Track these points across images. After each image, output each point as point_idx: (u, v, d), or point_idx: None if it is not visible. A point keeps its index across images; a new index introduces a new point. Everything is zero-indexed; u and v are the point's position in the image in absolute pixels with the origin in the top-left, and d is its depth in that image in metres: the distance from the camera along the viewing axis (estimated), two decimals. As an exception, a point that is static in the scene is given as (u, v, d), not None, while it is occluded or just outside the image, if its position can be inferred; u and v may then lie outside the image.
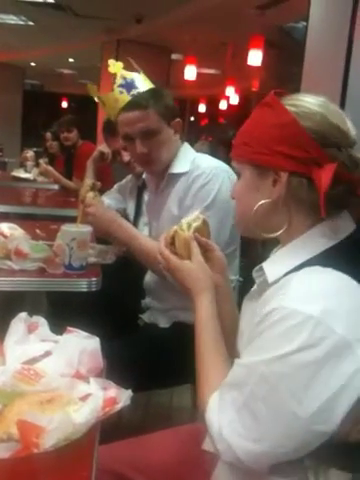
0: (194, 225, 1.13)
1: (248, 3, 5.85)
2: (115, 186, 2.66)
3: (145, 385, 1.59)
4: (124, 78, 1.70)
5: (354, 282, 0.83)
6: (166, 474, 1.13)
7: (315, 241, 0.91)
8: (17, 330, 1.11)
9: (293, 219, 0.94)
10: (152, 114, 1.68)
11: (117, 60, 1.74)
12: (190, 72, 8.42)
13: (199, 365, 1.00)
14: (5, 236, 1.77)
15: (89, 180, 1.84)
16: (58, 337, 1.12)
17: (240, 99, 11.73)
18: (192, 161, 1.72)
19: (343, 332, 0.78)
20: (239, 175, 1.00)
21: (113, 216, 1.75)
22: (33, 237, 1.89)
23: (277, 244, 1.07)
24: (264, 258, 1.12)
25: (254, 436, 0.82)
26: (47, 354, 1.04)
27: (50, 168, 4.70)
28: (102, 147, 2.70)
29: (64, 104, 16.47)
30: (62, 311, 1.74)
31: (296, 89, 1.07)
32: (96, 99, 1.81)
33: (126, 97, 1.68)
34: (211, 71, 10.66)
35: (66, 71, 13.31)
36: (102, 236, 1.88)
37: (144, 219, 2.47)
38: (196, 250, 1.10)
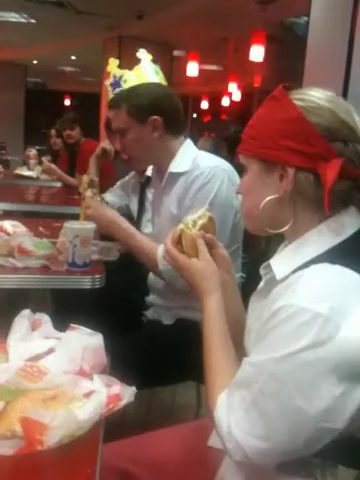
0: (200, 222, 1.13)
1: (249, -2, 5.85)
2: (118, 183, 2.66)
3: (148, 382, 1.59)
4: (114, 76, 1.77)
5: None
6: (171, 471, 1.13)
7: (322, 238, 0.90)
8: (21, 327, 1.11)
9: (299, 215, 0.93)
10: (122, 113, 1.72)
11: (119, 57, 1.76)
12: (192, 68, 8.40)
13: (207, 364, 0.99)
14: (8, 234, 1.77)
15: (87, 177, 1.83)
16: (61, 334, 1.12)
17: (242, 95, 11.70)
18: (193, 160, 1.71)
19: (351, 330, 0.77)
20: (246, 170, 1.00)
21: (112, 216, 1.75)
22: (36, 234, 1.90)
23: (281, 241, 1.07)
24: (268, 255, 1.12)
25: (263, 434, 0.82)
26: (50, 351, 1.04)
27: (53, 166, 4.71)
28: (104, 144, 2.70)
29: (67, 102, 16.44)
30: (66, 308, 1.74)
31: (298, 84, 1.06)
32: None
33: (111, 95, 1.76)
34: (213, 67, 10.64)
35: (68, 69, 13.30)
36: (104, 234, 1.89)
37: (147, 216, 2.47)
38: (203, 248, 1.09)
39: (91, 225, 1.71)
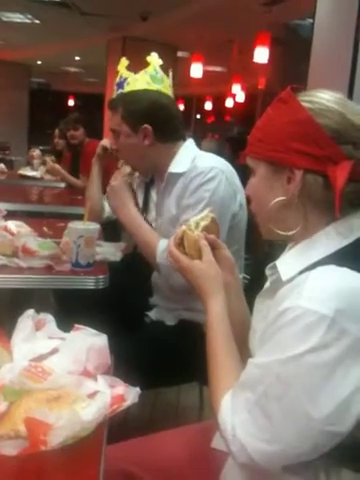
0: (202, 224, 1.12)
1: (254, 0, 5.83)
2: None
3: (151, 383, 1.59)
4: (120, 77, 1.78)
5: None
6: (174, 473, 1.13)
7: (330, 239, 0.90)
8: (25, 327, 1.11)
9: (308, 217, 0.93)
10: (116, 116, 1.76)
11: (124, 57, 1.77)
12: (196, 70, 8.40)
13: (212, 365, 0.99)
14: (12, 234, 1.77)
15: (129, 169, 1.85)
16: (65, 334, 1.12)
17: (246, 97, 11.71)
18: (192, 161, 1.71)
19: (358, 332, 0.77)
20: (254, 172, 0.99)
21: (126, 200, 1.78)
22: (40, 235, 1.90)
23: (284, 243, 1.07)
24: (271, 257, 1.11)
25: (267, 437, 0.81)
26: (54, 351, 1.04)
27: (57, 166, 4.71)
28: (104, 142, 2.69)
29: (70, 102, 16.48)
30: (69, 308, 1.74)
31: (302, 87, 1.06)
32: None
33: (114, 95, 1.79)
34: (217, 69, 10.64)
35: (72, 69, 13.33)
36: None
37: (151, 215, 2.47)
38: (207, 249, 1.09)
39: (95, 226, 1.71)
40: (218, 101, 13.69)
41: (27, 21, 8.42)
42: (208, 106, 14.52)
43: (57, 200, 4.32)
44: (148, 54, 1.83)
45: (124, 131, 1.75)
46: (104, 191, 2.34)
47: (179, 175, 1.72)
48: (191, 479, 1.12)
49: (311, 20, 3.91)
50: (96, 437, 0.83)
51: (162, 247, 1.67)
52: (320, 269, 0.85)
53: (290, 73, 6.53)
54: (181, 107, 14.81)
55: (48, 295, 2.02)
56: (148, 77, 1.76)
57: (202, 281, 1.07)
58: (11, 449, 0.79)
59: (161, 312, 1.84)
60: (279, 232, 0.96)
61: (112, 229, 2.38)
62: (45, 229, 2.12)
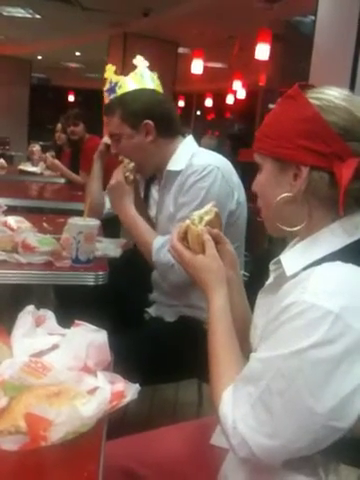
0: (206, 218, 1.12)
1: (256, -3, 5.83)
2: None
3: (151, 379, 1.59)
4: (110, 82, 1.79)
5: None
6: (173, 469, 1.13)
7: (335, 236, 0.90)
8: (24, 323, 1.11)
9: (313, 214, 0.93)
10: (115, 120, 1.75)
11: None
12: (197, 66, 8.39)
13: (213, 359, 0.99)
14: (12, 229, 1.78)
15: (132, 163, 1.84)
16: (65, 330, 1.12)
17: (247, 93, 11.69)
18: (189, 158, 1.72)
19: None
20: (260, 169, 0.99)
21: (125, 199, 1.77)
22: (40, 230, 1.90)
23: (284, 240, 1.07)
24: (271, 254, 1.11)
25: (269, 431, 0.82)
26: (54, 347, 1.04)
27: (57, 162, 4.70)
28: (106, 139, 2.69)
29: (71, 98, 16.45)
30: (69, 304, 1.74)
31: (311, 84, 1.06)
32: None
33: (106, 101, 1.79)
34: (218, 65, 10.63)
35: (73, 65, 13.31)
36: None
37: (152, 212, 2.47)
38: (210, 243, 1.08)
39: (95, 222, 1.71)
40: (218, 98, 13.66)
41: (28, 16, 8.41)
42: (208, 103, 14.49)
43: (57, 196, 4.31)
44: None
45: (125, 132, 1.75)
46: (105, 188, 2.35)
47: (177, 173, 1.72)
48: (190, 475, 1.12)
49: (312, 17, 3.91)
50: (96, 433, 0.84)
51: (157, 245, 1.68)
52: (325, 265, 0.85)
53: (291, 70, 6.53)
54: (181, 103, 14.81)
55: (48, 291, 2.02)
56: (139, 77, 1.78)
57: (205, 275, 1.07)
58: (11, 444, 0.79)
59: (161, 308, 1.84)
60: (284, 228, 0.96)
61: (112, 225, 2.38)
62: (45, 225, 2.12)
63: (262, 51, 6.75)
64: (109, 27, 8.37)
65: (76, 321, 1.11)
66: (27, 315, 1.13)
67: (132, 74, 1.78)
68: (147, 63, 1.83)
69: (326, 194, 0.90)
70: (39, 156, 5.45)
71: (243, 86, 11.31)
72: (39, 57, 12.65)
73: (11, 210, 2.14)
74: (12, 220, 1.85)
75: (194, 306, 1.74)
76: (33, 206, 3.44)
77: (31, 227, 1.88)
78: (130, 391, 0.92)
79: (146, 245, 1.72)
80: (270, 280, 1.05)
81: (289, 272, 0.92)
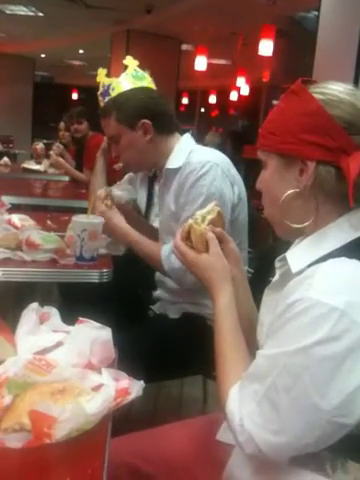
0: (209, 217, 1.12)
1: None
2: (126, 177, 2.65)
3: (155, 375, 1.59)
4: (103, 86, 1.79)
5: None
6: (179, 466, 1.13)
7: (342, 231, 0.90)
8: (29, 320, 1.11)
9: (320, 209, 0.92)
10: (112, 121, 1.75)
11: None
12: (200, 63, 8.37)
13: (219, 356, 0.99)
14: (17, 227, 1.78)
15: (104, 191, 1.83)
16: (70, 327, 1.12)
17: (251, 90, 11.65)
18: (187, 156, 1.71)
19: None
20: (265, 166, 0.99)
21: (115, 222, 1.75)
22: (44, 228, 1.90)
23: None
24: (276, 250, 1.11)
25: (275, 428, 0.82)
26: (59, 345, 1.04)
27: (60, 159, 4.70)
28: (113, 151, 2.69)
29: (74, 96, 16.44)
30: (73, 302, 1.74)
31: (314, 79, 1.06)
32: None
33: (101, 105, 1.79)
34: (221, 62, 10.59)
35: (76, 62, 13.30)
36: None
37: (155, 210, 2.47)
38: (214, 242, 1.08)
39: (99, 219, 1.71)
40: (222, 94, 13.62)
41: (31, 14, 8.41)
42: (212, 99, 14.46)
43: (61, 194, 4.32)
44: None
45: (123, 133, 1.75)
46: (108, 185, 2.35)
47: (175, 171, 1.72)
48: (196, 471, 1.12)
49: (316, 12, 3.89)
50: (100, 430, 0.84)
51: (165, 253, 1.68)
52: (331, 261, 0.85)
53: (295, 66, 6.51)
54: (185, 100, 14.78)
55: (52, 288, 2.03)
56: (130, 77, 1.78)
57: (209, 273, 1.06)
58: (16, 442, 0.79)
59: (165, 306, 1.84)
60: (291, 225, 0.95)
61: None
62: (49, 222, 2.12)
63: (266, 47, 6.73)
64: (112, 24, 8.36)
65: (80, 318, 1.11)
66: (31, 312, 1.13)
67: (123, 75, 1.78)
68: (137, 62, 1.82)
69: (333, 188, 0.89)
70: (43, 153, 5.44)
71: (247, 82, 11.28)
72: (42, 55, 12.64)
73: (15, 208, 2.14)
74: (16, 218, 1.85)
75: (198, 303, 1.74)
76: (37, 204, 3.45)
77: (35, 225, 1.89)
78: (135, 388, 0.91)
79: (153, 257, 1.71)
80: (276, 277, 1.05)
81: (295, 269, 0.92)
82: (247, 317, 1.10)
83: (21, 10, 8.23)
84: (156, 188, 2.47)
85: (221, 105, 14.66)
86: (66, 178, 4.72)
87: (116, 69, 1.84)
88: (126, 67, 1.80)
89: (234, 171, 1.74)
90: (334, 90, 0.91)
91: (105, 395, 0.87)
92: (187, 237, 1.10)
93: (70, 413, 0.80)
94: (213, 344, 1.02)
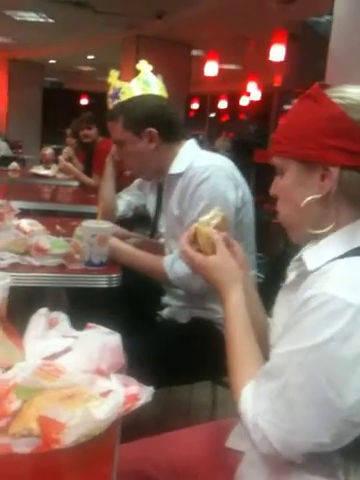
0: (213, 222, 1.12)
1: (270, -3, 5.81)
2: (135, 182, 2.65)
3: (164, 381, 1.59)
4: (114, 88, 1.79)
5: None
6: (188, 472, 1.12)
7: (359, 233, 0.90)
8: (38, 325, 1.10)
9: (342, 213, 0.92)
10: (118, 126, 1.76)
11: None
12: (211, 68, 8.37)
13: (231, 355, 0.99)
14: (25, 232, 1.78)
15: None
16: (79, 332, 1.11)
17: (262, 95, 11.64)
18: (190, 161, 1.72)
19: None
20: (282, 171, 0.98)
21: (113, 243, 1.74)
22: (53, 233, 1.90)
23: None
24: (287, 255, 1.10)
25: (289, 426, 0.82)
26: (68, 350, 1.04)
27: (69, 165, 4.71)
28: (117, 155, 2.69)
29: (83, 101, 16.53)
30: (82, 307, 1.74)
31: (329, 83, 1.05)
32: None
33: (110, 106, 1.80)
34: (232, 67, 10.61)
35: (85, 68, 13.37)
36: None
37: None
38: (221, 243, 1.08)
39: (108, 225, 1.71)
40: (233, 99, 13.62)
41: (41, 20, 8.47)
42: (223, 104, 14.47)
43: (70, 199, 4.32)
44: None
45: (128, 138, 1.76)
46: (117, 190, 2.35)
47: (178, 176, 1.73)
48: (205, 478, 1.12)
49: (328, 17, 3.88)
50: (109, 436, 0.83)
51: (169, 263, 1.68)
52: (347, 259, 0.85)
53: (307, 70, 6.48)
54: (195, 106, 14.80)
55: (61, 293, 2.03)
56: (141, 83, 1.78)
57: (219, 274, 1.06)
58: (24, 447, 0.78)
59: (173, 311, 1.84)
60: (311, 231, 0.94)
61: (125, 228, 2.38)
62: (58, 227, 2.13)
63: (277, 52, 6.72)
64: (122, 30, 8.39)
65: (89, 324, 1.10)
66: (40, 317, 1.13)
67: (135, 80, 1.78)
68: (151, 67, 1.82)
69: (357, 193, 0.89)
70: (52, 158, 5.46)
71: (258, 87, 11.27)
72: (52, 61, 12.73)
73: (24, 213, 2.15)
74: (25, 223, 1.86)
75: (206, 308, 1.73)
76: (46, 209, 3.46)
77: (44, 230, 1.89)
78: (144, 394, 0.90)
79: (156, 269, 1.72)
80: (292, 277, 1.04)
81: (311, 267, 0.91)
82: (255, 320, 1.10)
83: (31, 16, 8.29)
84: (165, 194, 2.47)
85: (231, 110, 14.66)
86: (75, 183, 4.73)
87: (126, 75, 1.84)
88: (138, 72, 1.80)
89: (238, 175, 1.73)
90: (353, 94, 0.91)
91: (114, 401, 0.87)
92: (193, 241, 1.10)
93: (79, 419, 0.80)
94: (222, 349, 1.02)
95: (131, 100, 1.75)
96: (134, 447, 1.18)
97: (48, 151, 5.65)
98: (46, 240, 1.68)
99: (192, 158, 1.73)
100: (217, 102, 14.53)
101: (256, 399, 0.87)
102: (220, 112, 15.47)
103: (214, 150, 1.88)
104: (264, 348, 1.02)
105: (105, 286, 1.63)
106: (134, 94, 1.76)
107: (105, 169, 2.36)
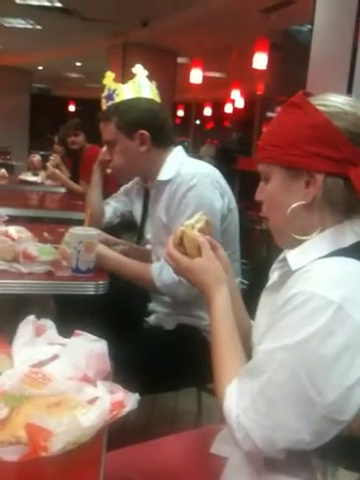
0: (197, 226, 1.13)
1: (253, 7, 5.86)
2: (121, 189, 2.66)
3: (150, 388, 1.59)
4: (108, 89, 1.81)
5: None
6: (173, 479, 1.13)
7: (343, 235, 0.92)
8: (25, 333, 1.11)
9: (326, 219, 0.94)
10: (111, 126, 1.78)
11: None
12: (196, 75, 8.41)
13: (216, 355, 1.00)
14: (13, 239, 1.78)
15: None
16: (66, 340, 1.12)
17: (245, 102, 11.72)
18: (178, 168, 1.74)
19: None
20: (266, 178, 1.00)
21: (99, 250, 1.73)
22: (41, 240, 1.90)
23: (282, 248, 1.07)
24: (270, 262, 1.12)
25: (270, 423, 0.83)
26: (55, 357, 1.04)
27: (57, 171, 4.71)
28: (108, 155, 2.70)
29: (71, 108, 16.51)
30: (69, 314, 1.74)
31: (313, 92, 1.07)
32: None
33: (104, 107, 1.81)
34: (217, 74, 10.66)
35: (73, 75, 13.36)
36: None
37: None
38: (206, 245, 1.09)
39: (95, 231, 1.71)
40: (217, 107, 13.70)
41: (29, 27, 8.45)
42: (207, 112, 14.54)
43: (57, 205, 4.32)
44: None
45: (120, 140, 1.78)
46: (104, 197, 2.36)
47: (165, 182, 1.75)
48: None
49: (310, 26, 3.93)
50: (96, 443, 0.84)
51: (156, 271, 1.69)
52: (329, 258, 0.87)
53: (289, 79, 6.55)
54: (181, 113, 14.85)
55: (48, 300, 2.02)
56: (137, 86, 1.80)
57: (204, 277, 1.07)
58: (12, 455, 0.79)
59: (159, 317, 1.85)
60: (297, 237, 0.96)
61: (112, 234, 2.39)
62: (45, 234, 2.13)
63: (260, 60, 6.77)
64: (109, 37, 8.41)
65: (76, 331, 1.11)
66: (28, 325, 1.13)
67: (130, 82, 1.80)
68: (146, 72, 1.84)
69: (340, 199, 0.91)
70: (40, 164, 5.44)
71: (241, 95, 11.34)
72: (40, 67, 12.69)
73: (12, 220, 2.15)
74: (13, 230, 1.85)
75: (193, 315, 1.74)
76: (34, 216, 3.45)
77: (32, 237, 1.89)
78: (130, 401, 0.91)
79: (143, 276, 1.73)
80: (274, 278, 1.06)
81: (295, 266, 0.93)
82: (239, 324, 1.11)
83: (19, 23, 8.27)
84: (152, 200, 2.47)
85: (216, 117, 14.74)
86: (63, 190, 4.72)
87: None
88: (130, 77, 1.82)
89: (224, 182, 1.76)
90: (337, 102, 0.92)
91: (100, 408, 0.87)
92: (180, 243, 1.11)
93: (66, 426, 0.81)
94: (208, 355, 1.03)
95: (125, 102, 1.77)
96: (119, 455, 1.18)
97: (36, 158, 5.63)
98: (34, 247, 1.68)
99: (179, 164, 1.75)
100: (202, 109, 14.61)
101: (239, 397, 0.88)
102: (205, 119, 15.54)
103: (198, 157, 1.90)
104: (247, 351, 1.03)
105: (92, 293, 1.63)
106: (129, 96, 1.78)
107: (92, 176, 2.37)
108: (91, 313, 1.68)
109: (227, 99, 12.16)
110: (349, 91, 3.30)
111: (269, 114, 11.19)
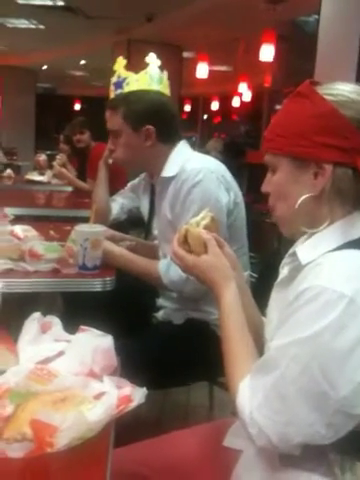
0: (203, 223, 1.12)
1: (259, -2, 5.83)
2: (128, 185, 2.66)
3: (159, 382, 1.59)
4: (119, 76, 1.77)
5: None
6: (186, 473, 1.12)
7: (352, 228, 0.90)
8: (31, 330, 1.11)
9: (335, 211, 0.92)
10: (118, 116, 1.74)
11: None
12: (202, 70, 8.39)
13: (227, 351, 0.99)
14: (19, 238, 1.78)
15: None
16: (71, 336, 1.12)
17: (253, 95, 11.68)
18: (182, 163, 1.72)
19: None
20: (274, 169, 0.98)
21: (107, 246, 1.73)
22: (47, 238, 1.90)
23: (293, 240, 1.06)
24: (280, 254, 1.11)
25: (284, 419, 0.82)
26: (60, 354, 1.04)
27: (64, 170, 4.71)
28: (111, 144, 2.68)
29: (76, 106, 16.54)
30: (77, 311, 1.74)
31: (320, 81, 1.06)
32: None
33: (112, 94, 1.78)
34: (223, 68, 10.63)
35: (78, 73, 13.38)
36: None
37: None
38: (212, 242, 1.08)
39: (101, 228, 1.71)
40: (225, 101, 13.66)
41: (32, 27, 8.48)
42: (215, 106, 14.50)
43: (63, 204, 4.32)
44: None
45: (125, 131, 1.75)
46: (111, 193, 2.35)
47: (170, 179, 1.73)
48: (203, 478, 1.12)
49: (316, 16, 3.90)
50: (103, 438, 0.83)
51: (164, 268, 1.68)
52: (340, 251, 0.86)
53: (296, 70, 6.51)
54: (188, 108, 14.84)
55: (55, 298, 2.03)
56: (148, 77, 1.76)
57: (211, 274, 1.06)
58: (18, 452, 0.78)
59: (168, 313, 1.84)
60: (306, 229, 0.94)
61: (119, 231, 2.39)
62: (52, 232, 2.13)
63: (267, 52, 6.75)
64: (113, 34, 8.40)
65: (81, 327, 1.11)
66: (33, 322, 1.13)
67: (142, 73, 1.77)
68: (159, 62, 1.80)
69: (350, 190, 0.90)
70: (46, 164, 5.45)
71: (249, 88, 11.31)
72: (44, 67, 12.73)
73: (18, 219, 2.15)
74: (19, 229, 1.85)
75: (201, 310, 1.73)
76: (40, 214, 3.45)
77: (38, 235, 1.89)
78: (137, 395, 0.91)
79: (150, 273, 1.72)
80: (285, 273, 1.05)
81: (305, 261, 0.92)
82: (249, 320, 1.10)
83: (22, 23, 8.30)
84: (158, 195, 2.47)
85: (223, 111, 14.70)
86: (69, 188, 4.73)
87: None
88: (147, 65, 1.79)
89: (229, 177, 1.74)
90: (344, 91, 0.91)
91: (107, 403, 0.87)
92: (184, 241, 1.10)
93: (71, 421, 0.80)
94: (218, 349, 1.02)
95: (135, 93, 1.74)
96: (131, 450, 1.18)
97: (42, 157, 5.65)
98: (39, 245, 1.68)
99: (184, 160, 1.73)
100: (209, 104, 14.57)
101: (252, 393, 0.88)
102: (212, 113, 15.50)
103: (205, 152, 1.88)
104: (259, 346, 1.02)
105: (100, 289, 1.63)
106: (139, 87, 1.75)
107: (98, 173, 2.36)
108: (99, 310, 1.68)
109: (234, 92, 12.13)
110: (357, 79, 3.27)
111: (277, 106, 11.14)
